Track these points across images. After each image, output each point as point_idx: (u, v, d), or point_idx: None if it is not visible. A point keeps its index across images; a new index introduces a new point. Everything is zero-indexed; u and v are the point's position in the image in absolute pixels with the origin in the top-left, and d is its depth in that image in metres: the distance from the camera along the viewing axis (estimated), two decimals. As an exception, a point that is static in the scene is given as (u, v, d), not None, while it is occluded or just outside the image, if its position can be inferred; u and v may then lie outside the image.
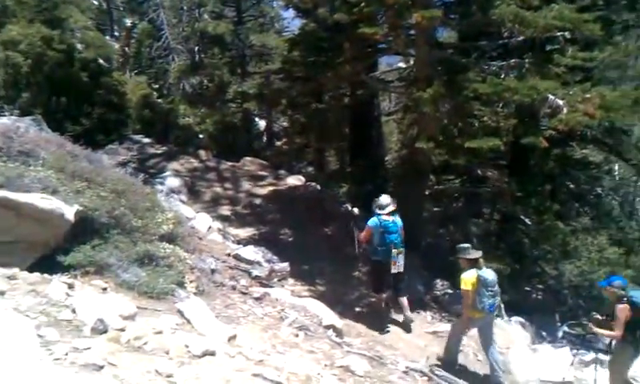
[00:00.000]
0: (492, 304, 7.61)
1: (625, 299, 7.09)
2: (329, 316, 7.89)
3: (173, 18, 19.43)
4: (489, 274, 7.59)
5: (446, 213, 12.90)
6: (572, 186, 14.90)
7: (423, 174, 11.09)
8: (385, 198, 8.92)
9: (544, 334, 11.38)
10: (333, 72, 10.65)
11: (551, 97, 9.06)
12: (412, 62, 10.93)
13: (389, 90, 13.38)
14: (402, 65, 13.16)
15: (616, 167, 17.27)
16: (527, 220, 12.00)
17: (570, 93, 9.24)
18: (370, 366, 6.79)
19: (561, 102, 9.05)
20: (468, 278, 7.60)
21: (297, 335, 6.74)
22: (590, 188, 15.63)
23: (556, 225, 11.92)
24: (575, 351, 9.96)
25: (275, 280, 8.89)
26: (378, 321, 8.97)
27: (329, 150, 16.69)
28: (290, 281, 9.38)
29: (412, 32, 10.17)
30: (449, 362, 8.01)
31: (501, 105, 9.58)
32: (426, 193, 12.14)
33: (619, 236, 14.43)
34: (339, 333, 7.65)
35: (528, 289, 12.83)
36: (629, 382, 7.49)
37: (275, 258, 9.53)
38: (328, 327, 7.56)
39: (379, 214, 8.70)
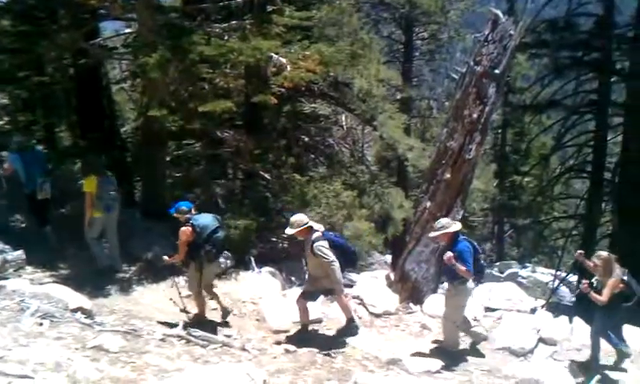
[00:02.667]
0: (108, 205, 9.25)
1: (190, 222, 8.13)
2: (76, 299, 7.61)
3: None
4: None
5: (188, 177, 12.92)
6: (306, 138, 15.88)
7: (161, 141, 10.98)
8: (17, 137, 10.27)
9: (293, 279, 12.09)
10: (48, 41, 9.96)
11: (275, 56, 9.57)
12: (135, 28, 10.69)
13: (114, 57, 12.93)
14: (128, 30, 12.80)
15: (343, 118, 18.64)
16: (267, 175, 12.49)
17: (292, 51, 9.84)
18: (125, 341, 6.72)
19: (284, 61, 9.60)
20: (88, 182, 9.16)
21: (41, 324, 6.43)
22: (322, 139, 16.82)
23: (293, 177, 12.58)
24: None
25: (10, 271, 8.36)
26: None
27: (59, 126, 15.54)
28: (28, 269, 8.86)
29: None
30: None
31: (229, 66, 9.83)
32: (167, 159, 12.08)
33: (352, 180, 15.60)
34: (89, 314, 7.43)
35: (275, 240, 13.47)
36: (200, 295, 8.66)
37: (7, 247, 8.88)
38: (76, 310, 7.29)
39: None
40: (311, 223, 8.14)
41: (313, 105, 15.78)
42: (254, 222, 11.12)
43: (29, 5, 10.41)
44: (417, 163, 15.35)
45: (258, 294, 9.76)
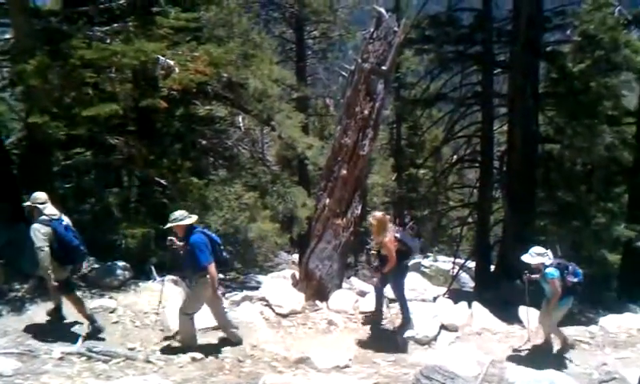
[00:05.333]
0: None
1: None
2: (-38, 324, 7.23)
3: None
4: None
5: (80, 187, 12.40)
6: (203, 141, 15.61)
7: (47, 150, 10.50)
8: None
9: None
10: None
11: (162, 58, 9.36)
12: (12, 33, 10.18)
13: (-12, 65, 12.28)
14: (7, 36, 12.18)
15: (240, 119, 18.47)
16: (163, 181, 12.18)
17: (179, 53, 9.66)
18: (21, 362, 6.59)
19: (172, 63, 9.42)
20: None
21: None
22: (220, 141, 16.59)
23: (191, 181, 12.34)
24: (227, 293, 10.69)
25: None
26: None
27: None
28: None
29: (3, 1, 9.44)
30: None
31: (114, 70, 9.52)
32: (55, 169, 11.56)
33: (254, 181, 15.51)
34: (-22, 338, 7.11)
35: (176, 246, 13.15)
36: None
37: None
38: (-37, 335, 6.94)
39: None
40: (46, 206, 7.88)
41: (208, 107, 15.53)
42: (151, 229, 10.81)
43: None
44: (316, 161, 15.46)
45: (162, 304, 9.49)
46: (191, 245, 7.65)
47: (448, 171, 22.59)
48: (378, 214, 8.77)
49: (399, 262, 8.48)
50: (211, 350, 8.02)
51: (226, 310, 8.60)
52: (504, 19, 18.58)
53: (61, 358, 7.13)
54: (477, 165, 20.33)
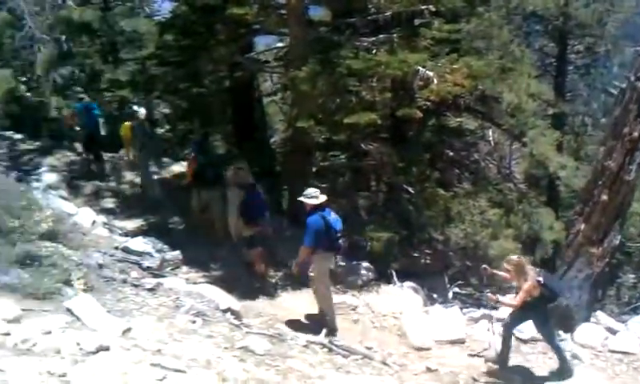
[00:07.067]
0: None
1: None
2: (226, 299, 7.93)
3: (34, 5, 18.20)
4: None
5: (333, 188, 13.09)
6: (451, 153, 15.55)
7: (308, 151, 11.24)
8: None
9: (435, 296, 11.84)
10: (207, 55, 10.58)
11: (421, 69, 9.48)
12: (287, 42, 11.05)
13: (266, 70, 13.49)
14: (280, 45, 13.26)
15: (490, 133, 18.07)
16: (410, 189, 12.36)
17: (439, 64, 9.71)
18: (271, 344, 6.90)
19: (431, 74, 9.48)
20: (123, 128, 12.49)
21: (194, 322, 6.74)
22: (467, 154, 16.38)
23: (437, 192, 12.38)
24: (465, 309, 10.53)
25: (168, 269, 8.85)
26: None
27: (214, 135, 16.36)
28: (184, 268, 9.31)
29: (284, 12, 10.28)
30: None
31: (375, 79, 9.88)
32: (313, 170, 12.33)
33: (498, 198, 15.09)
34: (237, 315, 7.72)
35: (417, 254, 13.30)
36: None
37: (166, 247, 9.45)
38: (226, 311, 7.60)
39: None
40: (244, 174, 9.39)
41: (459, 119, 15.41)
42: (396, 235, 11.02)
43: (190, 20, 11.10)
44: (570, 183, 14.54)
45: (399, 309, 9.63)
46: (306, 223, 7.94)
47: None
48: (514, 257, 7.93)
49: (543, 307, 7.74)
50: (447, 363, 7.95)
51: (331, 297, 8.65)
52: None
53: (305, 346, 7.46)
54: None
